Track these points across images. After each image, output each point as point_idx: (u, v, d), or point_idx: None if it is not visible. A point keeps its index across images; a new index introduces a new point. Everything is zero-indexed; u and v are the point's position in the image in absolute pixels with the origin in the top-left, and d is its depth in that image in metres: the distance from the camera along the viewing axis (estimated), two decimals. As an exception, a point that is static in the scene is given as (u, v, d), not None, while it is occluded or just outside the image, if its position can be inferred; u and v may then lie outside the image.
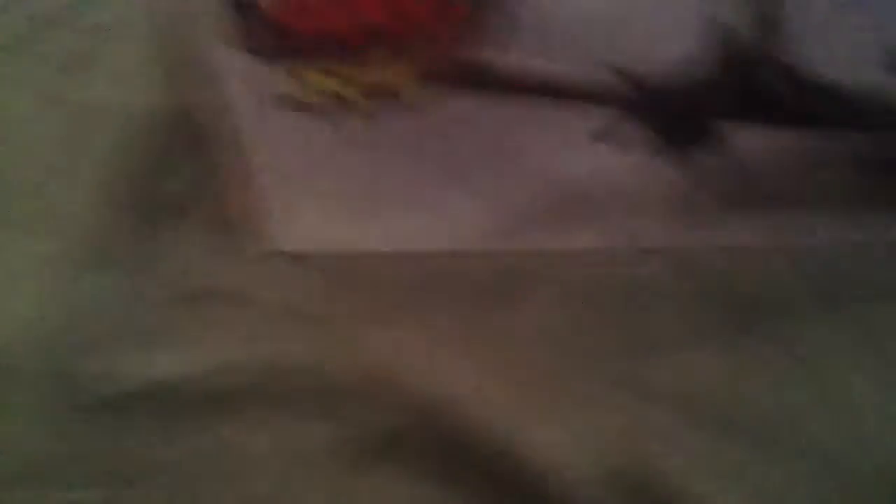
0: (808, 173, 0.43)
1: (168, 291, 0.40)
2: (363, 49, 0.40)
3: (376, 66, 0.41)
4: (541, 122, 0.43)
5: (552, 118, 0.43)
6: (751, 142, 0.42)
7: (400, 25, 0.40)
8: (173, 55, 0.46)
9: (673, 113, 0.42)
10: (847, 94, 0.41)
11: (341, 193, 0.43)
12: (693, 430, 0.34)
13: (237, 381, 0.36)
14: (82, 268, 0.41)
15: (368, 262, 0.41)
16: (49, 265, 0.41)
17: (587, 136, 0.43)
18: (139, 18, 0.52)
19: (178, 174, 0.45)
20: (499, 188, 0.43)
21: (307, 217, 0.42)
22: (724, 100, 0.42)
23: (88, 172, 0.45)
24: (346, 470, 0.34)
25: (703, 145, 0.42)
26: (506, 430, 0.33)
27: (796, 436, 0.34)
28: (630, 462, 0.33)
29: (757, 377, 0.36)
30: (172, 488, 0.33)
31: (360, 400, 0.35)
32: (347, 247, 0.41)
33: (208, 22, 0.44)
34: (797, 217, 0.42)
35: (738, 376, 0.36)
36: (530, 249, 0.42)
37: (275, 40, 0.41)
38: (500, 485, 0.32)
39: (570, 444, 0.33)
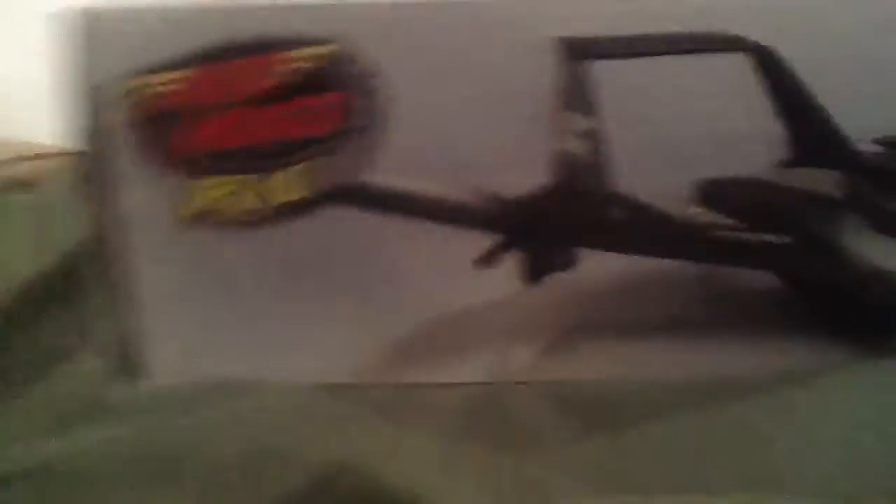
0: (663, 300, 0.49)
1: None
2: (260, 165, 0.43)
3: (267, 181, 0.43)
4: (420, 246, 0.46)
5: (432, 242, 0.45)
6: (605, 268, 0.47)
7: (297, 144, 0.42)
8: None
9: (540, 238, 0.46)
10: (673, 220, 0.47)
11: (212, 321, 0.46)
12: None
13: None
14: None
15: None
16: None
17: (469, 264, 0.45)
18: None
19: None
20: (374, 316, 0.47)
21: (176, 347, 0.46)
22: (577, 225, 0.46)
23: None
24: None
25: (564, 271, 0.46)
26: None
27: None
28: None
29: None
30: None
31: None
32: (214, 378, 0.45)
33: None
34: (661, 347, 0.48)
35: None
36: (408, 383, 0.46)
37: (167, 153, 0.43)
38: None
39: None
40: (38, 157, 0.95)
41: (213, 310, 0.46)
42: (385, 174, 0.44)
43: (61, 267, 0.58)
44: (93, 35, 0.42)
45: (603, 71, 0.44)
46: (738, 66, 0.46)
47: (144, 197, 0.43)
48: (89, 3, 0.42)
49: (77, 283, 0.54)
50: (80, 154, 0.43)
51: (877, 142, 0.48)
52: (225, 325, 0.46)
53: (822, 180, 0.48)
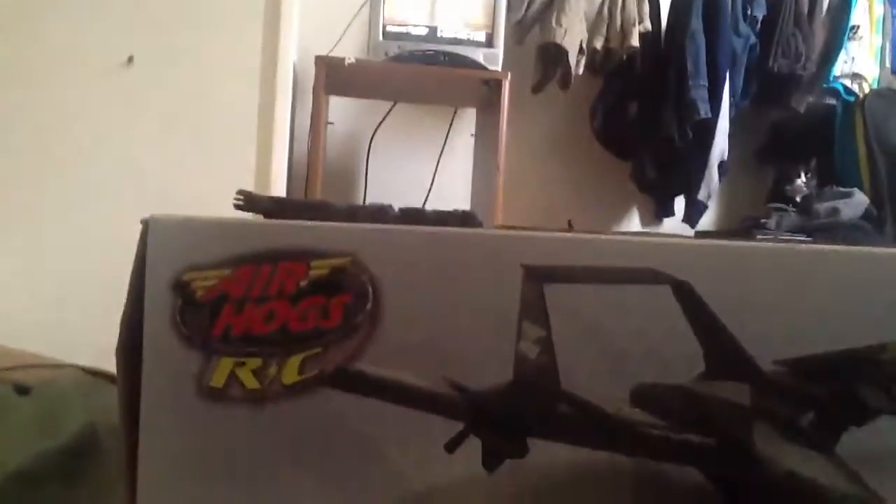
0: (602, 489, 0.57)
1: None
2: (277, 349, 0.52)
3: (281, 362, 0.52)
4: (403, 428, 0.54)
5: (413, 424, 0.54)
6: (554, 456, 0.55)
7: (309, 334, 0.52)
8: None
9: (496, 428, 0.55)
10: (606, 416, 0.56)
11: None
12: None
13: None
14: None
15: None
16: None
17: (442, 447, 0.54)
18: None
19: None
20: (352, 498, 0.54)
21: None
22: (528, 418, 0.55)
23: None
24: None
25: (518, 458, 0.54)
26: None
27: None
28: None
29: None
30: None
31: None
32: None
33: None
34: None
35: None
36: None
37: (206, 332, 0.52)
38: None
39: None
40: (34, 365, 1.03)
41: (209, 490, 0.53)
42: (376, 364, 0.54)
43: (60, 455, 0.64)
44: (154, 239, 0.53)
45: (557, 292, 0.56)
46: (663, 295, 0.58)
47: (169, 373, 0.52)
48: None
49: (77, 470, 0.61)
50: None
51: (776, 363, 0.59)
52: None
53: (733, 391, 0.58)
